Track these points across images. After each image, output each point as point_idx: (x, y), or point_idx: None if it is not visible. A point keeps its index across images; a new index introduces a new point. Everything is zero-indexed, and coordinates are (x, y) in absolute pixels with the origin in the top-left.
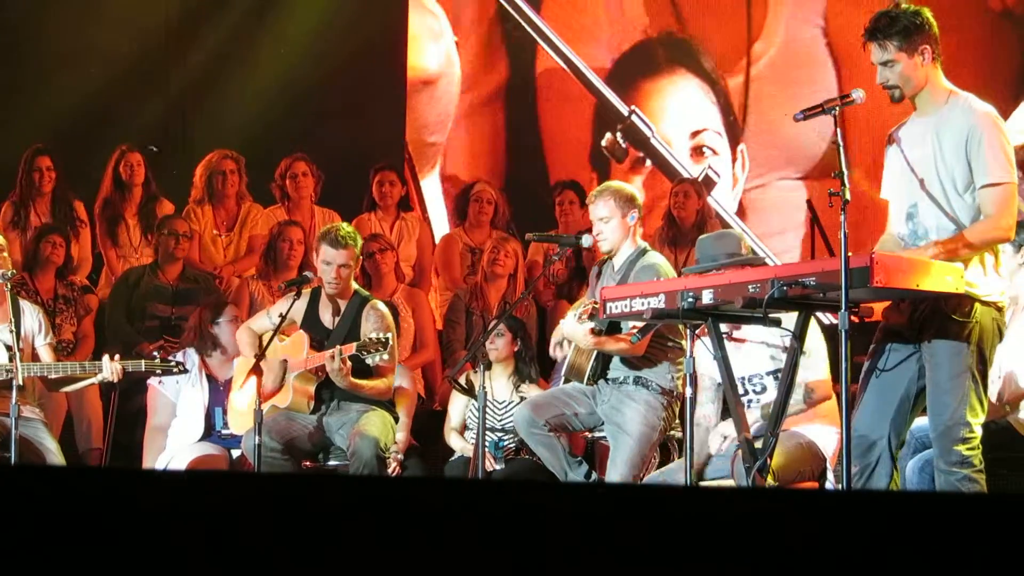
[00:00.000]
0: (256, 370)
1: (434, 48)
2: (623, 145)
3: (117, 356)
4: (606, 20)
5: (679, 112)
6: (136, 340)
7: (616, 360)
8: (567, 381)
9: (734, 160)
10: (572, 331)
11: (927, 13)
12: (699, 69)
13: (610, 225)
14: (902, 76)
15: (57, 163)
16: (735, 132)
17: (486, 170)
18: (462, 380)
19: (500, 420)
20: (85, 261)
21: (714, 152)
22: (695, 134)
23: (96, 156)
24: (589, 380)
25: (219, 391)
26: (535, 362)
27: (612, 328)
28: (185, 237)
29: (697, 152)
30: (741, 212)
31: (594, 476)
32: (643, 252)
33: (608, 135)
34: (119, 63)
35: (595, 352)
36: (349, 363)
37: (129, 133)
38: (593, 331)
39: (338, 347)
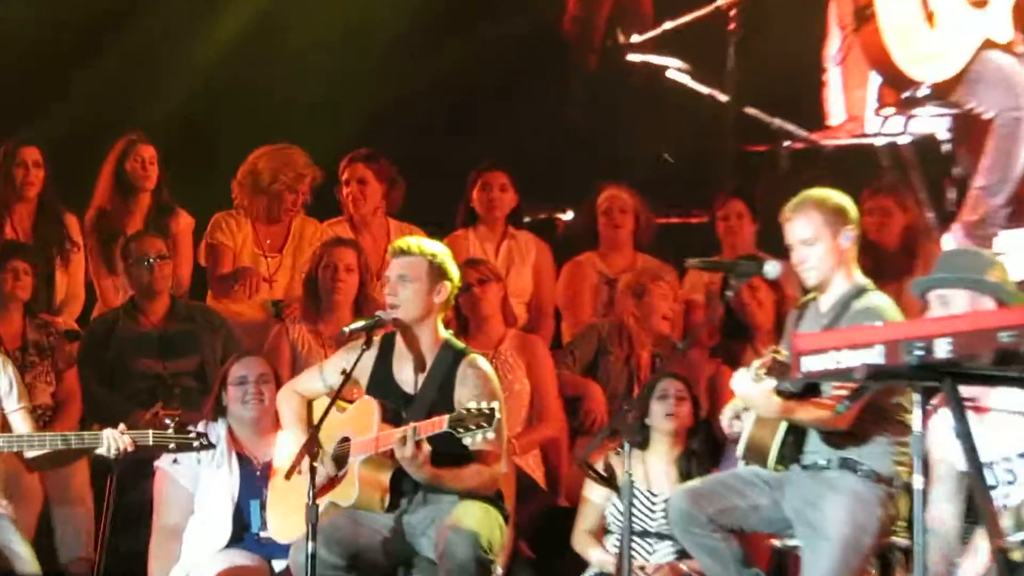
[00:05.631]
0: (308, 450)
1: None
2: None
3: (121, 426)
4: None
5: None
6: (123, 409)
7: (814, 437)
8: (745, 463)
9: None
10: (748, 393)
11: None
12: None
13: (816, 250)
14: None
15: (47, 160)
16: None
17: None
18: (599, 464)
19: (656, 520)
20: (75, 298)
21: None
22: None
23: (99, 156)
24: (776, 463)
25: (255, 477)
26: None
27: (808, 391)
28: (161, 259)
29: None
30: None
31: None
32: (861, 291)
33: None
34: (134, 39)
35: (784, 426)
36: (427, 447)
37: (141, 123)
38: (780, 393)
39: (411, 425)
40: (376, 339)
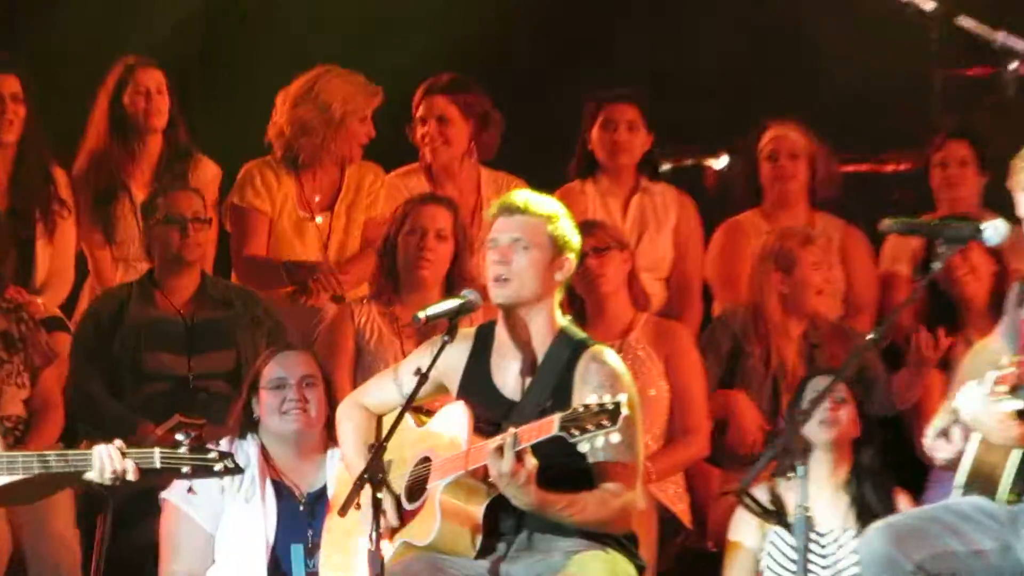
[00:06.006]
0: (370, 475)
1: None
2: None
3: (119, 442)
4: None
5: None
6: (126, 422)
7: None
8: (965, 493)
9: None
10: (979, 416)
11: None
12: None
13: None
14: None
15: (31, 92)
16: None
17: None
18: (761, 493)
19: (828, 568)
20: (61, 276)
21: None
22: None
23: (94, 89)
24: (1010, 495)
25: (297, 512)
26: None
27: None
28: (198, 222)
29: None
30: None
31: None
32: None
33: None
34: None
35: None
36: (532, 462)
37: (141, 45)
38: (1020, 414)
39: (511, 431)
40: (468, 330)
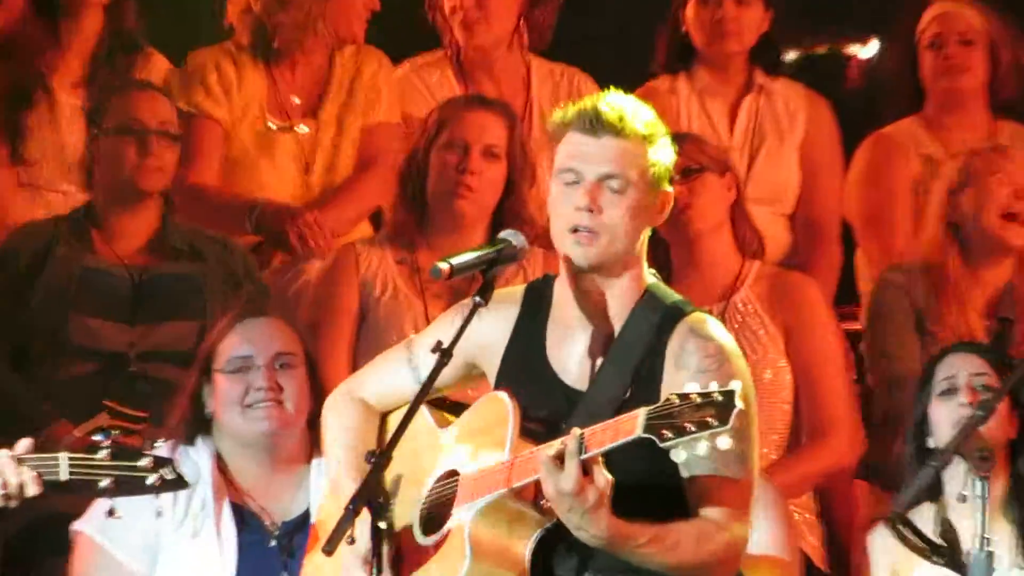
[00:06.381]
0: (369, 499)
1: None
2: None
3: (22, 444)
4: None
5: None
6: (39, 413)
7: None
8: None
9: None
10: None
11: None
12: None
13: None
14: None
15: None
16: None
17: None
18: (923, 522)
19: None
20: None
21: None
22: None
23: None
24: None
25: (270, 551)
26: None
27: None
28: (165, 137)
29: None
30: None
31: None
32: None
33: None
34: None
35: None
36: (605, 478)
37: None
38: None
39: (575, 433)
40: (514, 289)
